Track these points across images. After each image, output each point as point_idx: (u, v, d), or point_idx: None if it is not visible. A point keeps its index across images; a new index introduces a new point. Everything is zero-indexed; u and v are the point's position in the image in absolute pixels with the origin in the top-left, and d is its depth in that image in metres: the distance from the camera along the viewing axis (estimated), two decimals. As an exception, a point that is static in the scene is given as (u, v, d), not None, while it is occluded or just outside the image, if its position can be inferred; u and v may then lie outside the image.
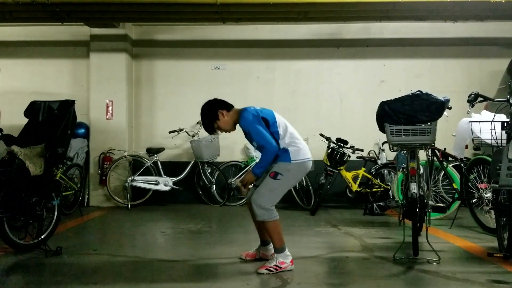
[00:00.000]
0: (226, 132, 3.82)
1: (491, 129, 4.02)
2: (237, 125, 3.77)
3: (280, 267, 3.53)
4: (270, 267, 3.53)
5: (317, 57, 7.92)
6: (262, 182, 3.64)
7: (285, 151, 3.61)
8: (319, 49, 7.92)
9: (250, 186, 3.80)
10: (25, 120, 4.53)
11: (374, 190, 6.62)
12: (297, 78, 7.90)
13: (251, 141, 3.68)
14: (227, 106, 3.74)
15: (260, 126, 3.55)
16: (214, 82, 7.80)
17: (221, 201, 7.43)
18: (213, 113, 3.69)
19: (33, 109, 4.50)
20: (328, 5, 6.29)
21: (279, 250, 3.59)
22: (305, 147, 3.69)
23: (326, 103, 7.88)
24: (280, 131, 3.63)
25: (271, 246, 3.81)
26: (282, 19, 7.16)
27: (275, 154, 3.56)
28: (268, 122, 3.61)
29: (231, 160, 7.63)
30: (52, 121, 4.37)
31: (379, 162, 7.11)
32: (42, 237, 4.25)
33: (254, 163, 7.39)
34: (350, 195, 7.01)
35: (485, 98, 4.10)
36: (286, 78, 7.87)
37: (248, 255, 3.92)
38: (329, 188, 6.69)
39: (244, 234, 5.13)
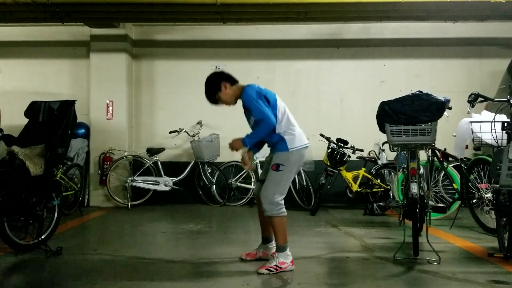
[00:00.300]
0: (226, 104, 3.80)
1: (491, 130, 4.02)
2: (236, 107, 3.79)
3: (281, 267, 3.53)
4: (271, 267, 3.53)
5: (317, 57, 7.93)
6: (267, 177, 3.64)
7: (281, 139, 3.62)
8: (319, 49, 7.92)
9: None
10: (25, 120, 4.53)
11: (374, 190, 6.62)
12: (297, 78, 7.90)
13: (248, 119, 3.70)
14: (231, 80, 3.76)
15: (261, 101, 3.56)
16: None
17: (221, 201, 7.43)
18: (216, 84, 3.72)
19: (33, 109, 4.51)
20: (328, 5, 6.28)
21: (281, 248, 3.59)
22: (301, 134, 3.71)
23: (326, 103, 7.88)
24: (279, 115, 3.64)
25: (271, 245, 3.81)
26: (282, 19, 7.16)
27: (270, 129, 3.56)
28: (269, 103, 3.62)
29: (232, 160, 7.62)
30: (52, 121, 4.37)
31: (379, 162, 7.11)
32: (42, 237, 4.25)
33: (254, 163, 7.40)
34: (350, 195, 7.01)
35: (485, 99, 4.11)
36: (286, 78, 7.86)
37: (248, 255, 3.92)
38: (329, 188, 6.69)
39: (244, 234, 5.13)
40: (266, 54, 7.92)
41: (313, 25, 7.81)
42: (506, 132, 3.92)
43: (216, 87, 3.72)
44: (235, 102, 3.79)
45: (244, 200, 7.44)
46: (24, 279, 3.54)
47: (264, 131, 3.56)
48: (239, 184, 7.47)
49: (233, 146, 3.67)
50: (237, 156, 7.58)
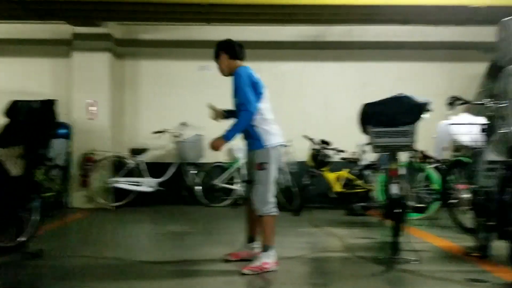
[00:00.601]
0: (221, 72, 3.92)
1: (469, 132, 4.11)
2: None
3: (264, 268, 3.55)
4: (254, 267, 3.55)
5: (302, 59, 7.98)
6: (255, 178, 3.67)
7: (257, 135, 3.65)
8: (304, 51, 7.98)
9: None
10: (5, 120, 4.47)
11: (356, 191, 6.69)
12: (282, 80, 7.93)
13: (234, 97, 3.76)
14: (232, 53, 3.88)
15: (250, 87, 3.64)
16: (200, 82, 7.78)
17: (206, 202, 7.43)
18: (217, 51, 3.89)
19: (14, 109, 4.44)
20: (311, 8, 6.34)
21: (267, 248, 3.62)
22: (277, 133, 3.74)
23: (311, 105, 7.94)
24: (260, 106, 3.67)
25: (256, 245, 3.84)
26: (268, 20, 7.20)
27: (251, 118, 3.60)
28: (256, 90, 3.68)
29: (216, 161, 7.63)
30: (33, 121, 4.32)
31: (362, 163, 7.19)
32: (23, 239, 4.19)
33: (238, 164, 7.42)
34: (333, 196, 7.06)
35: (464, 101, 4.20)
36: (271, 80, 7.76)
37: (232, 255, 3.94)
38: (312, 189, 6.75)
39: (228, 235, 5.14)
40: (252, 55, 7.77)
41: (298, 27, 7.86)
42: (483, 134, 4.01)
43: (216, 54, 3.89)
44: (227, 75, 3.88)
45: (228, 201, 7.45)
46: (3, 282, 3.49)
47: (245, 121, 3.61)
48: (223, 185, 7.47)
49: (214, 146, 3.68)
50: (221, 157, 7.69)
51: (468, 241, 4.52)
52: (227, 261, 3.89)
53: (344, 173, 6.88)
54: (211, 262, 3.92)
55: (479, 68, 7.24)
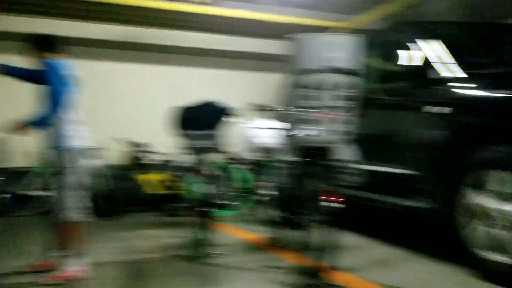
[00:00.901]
0: (32, 65, 3.73)
1: (269, 135, 4.66)
2: None
3: (71, 276, 3.43)
4: (60, 276, 3.40)
5: (122, 59, 7.82)
6: (58, 185, 3.51)
7: (60, 134, 3.53)
8: (124, 52, 7.83)
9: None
10: None
11: (173, 192, 6.85)
12: (101, 80, 7.61)
13: (41, 90, 3.57)
14: (44, 46, 3.71)
15: (59, 80, 3.48)
16: (10, 80, 6.91)
17: (10, 212, 6.67)
18: (29, 43, 3.71)
19: None
20: (117, 7, 6.32)
21: (75, 256, 3.50)
22: (81, 135, 3.66)
23: (130, 107, 7.84)
24: (68, 103, 3.54)
25: (63, 254, 3.66)
26: (76, 16, 6.85)
27: (57, 111, 3.46)
28: (65, 85, 3.52)
29: (21, 166, 6.92)
30: None
31: (179, 165, 7.40)
32: None
33: (45, 168, 6.87)
34: (151, 198, 7.09)
35: (265, 108, 4.73)
36: (89, 79, 7.44)
37: (37, 266, 3.68)
38: (130, 193, 6.67)
39: (33, 245, 4.74)
40: (68, 52, 7.40)
41: (119, 27, 7.62)
42: (282, 137, 4.58)
43: (28, 46, 3.69)
44: (38, 67, 3.64)
45: (35, 209, 6.83)
46: None
47: (52, 113, 3.43)
48: (30, 192, 6.82)
49: (14, 128, 3.39)
50: (27, 161, 6.99)
51: (270, 233, 5.10)
52: (32, 272, 3.62)
53: (162, 175, 6.98)
54: (14, 274, 3.61)
55: (279, 78, 8.20)
